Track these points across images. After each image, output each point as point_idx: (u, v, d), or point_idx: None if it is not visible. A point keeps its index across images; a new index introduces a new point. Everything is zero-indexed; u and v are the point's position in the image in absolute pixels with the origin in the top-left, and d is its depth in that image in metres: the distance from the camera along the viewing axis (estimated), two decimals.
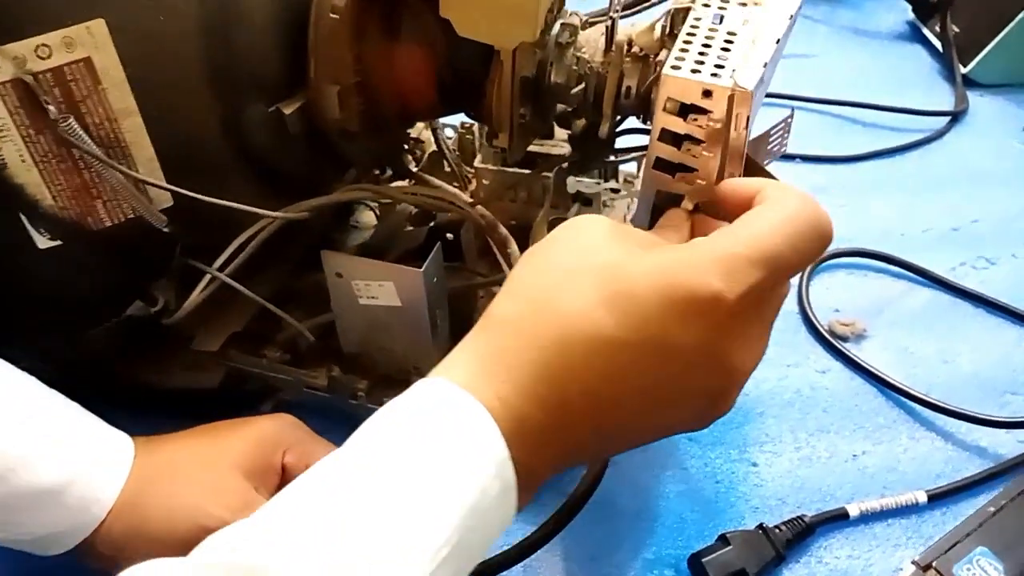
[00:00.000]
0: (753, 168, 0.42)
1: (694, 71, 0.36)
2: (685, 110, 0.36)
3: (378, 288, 0.46)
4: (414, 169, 0.60)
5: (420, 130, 0.64)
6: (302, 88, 0.44)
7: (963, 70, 0.91)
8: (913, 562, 0.35)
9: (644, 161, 0.39)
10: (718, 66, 0.36)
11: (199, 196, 0.41)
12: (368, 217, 0.61)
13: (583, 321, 0.29)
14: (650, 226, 0.39)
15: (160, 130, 0.40)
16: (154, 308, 0.47)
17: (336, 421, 0.52)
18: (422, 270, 0.44)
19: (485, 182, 0.56)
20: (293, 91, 0.44)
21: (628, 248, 0.32)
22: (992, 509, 0.39)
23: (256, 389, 0.53)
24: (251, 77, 0.42)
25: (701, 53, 0.37)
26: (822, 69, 0.93)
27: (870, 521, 0.49)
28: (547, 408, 0.29)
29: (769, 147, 0.51)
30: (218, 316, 0.51)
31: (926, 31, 0.99)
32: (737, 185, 0.35)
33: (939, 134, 0.84)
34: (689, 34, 0.38)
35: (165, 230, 0.42)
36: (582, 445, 0.31)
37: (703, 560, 0.45)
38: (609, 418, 0.30)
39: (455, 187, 0.61)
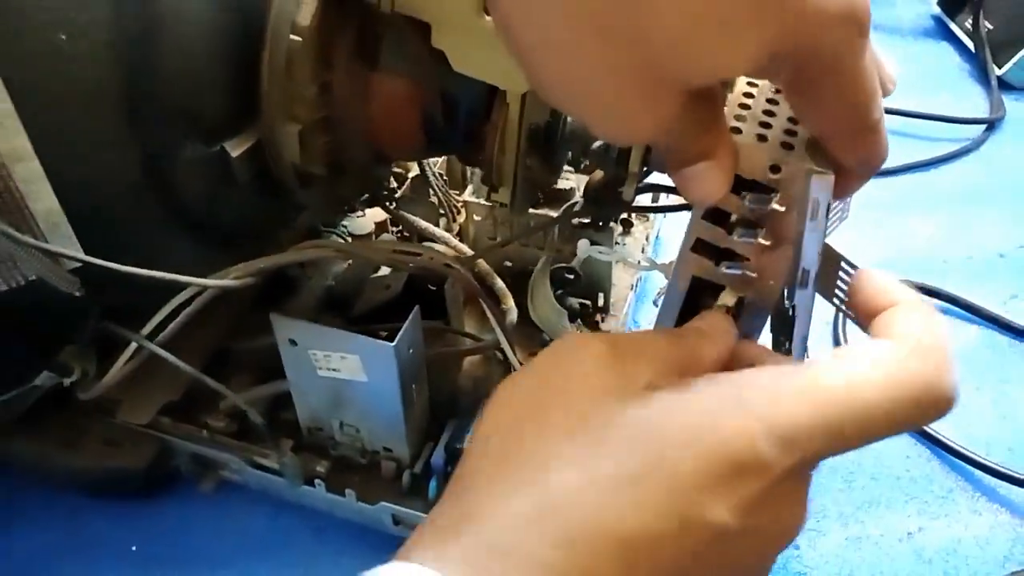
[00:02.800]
0: (827, 254, 0.33)
1: (760, 136, 0.27)
2: (741, 184, 0.28)
3: (340, 360, 0.37)
4: (392, 187, 0.51)
5: None
6: (252, 124, 0.35)
7: (998, 72, 0.83)
8: None
9: (682, 241, 0.30)
10: (789, 132, 0.28)
11: (114, 266, 0.32)
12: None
13: (598, 513, 0.21)
14: (678, 322, 0.31)
15: (63, 176, 0.31)
16: (69, 379, 0.38)
17: (286, 507, 0.44)
18: (394, 344, 0.35)
19: (476, 218, 0.48)
20: (239, 128, 0.35)
21: (636, 391, 0.23)
22: None
23: (191, 466, 0.44)
24: (183, 110, 0.33)
25: (767, 112, 0.28)
26: None
27: None
28: None
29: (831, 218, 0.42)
30: (147, 384, 0.42)
31: (954, 27, 0.90)
32: (871, 295, 0.27)
33: (976, 144, 0.76)
34: (746, 94, 0.29)
35: (77, 294, 0.34)
36: None
37: None
38: None
39: (441, 217, 0.52)
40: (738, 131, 0.27)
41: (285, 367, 0.39)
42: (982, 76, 0.84)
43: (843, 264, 0.32)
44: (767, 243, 0.27)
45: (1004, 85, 0.83)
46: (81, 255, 0.32)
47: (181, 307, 0.37)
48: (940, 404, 0.23)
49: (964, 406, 0.49)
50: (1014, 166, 0.74)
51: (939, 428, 0.49)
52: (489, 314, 0.40)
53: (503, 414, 0.24)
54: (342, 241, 0.40)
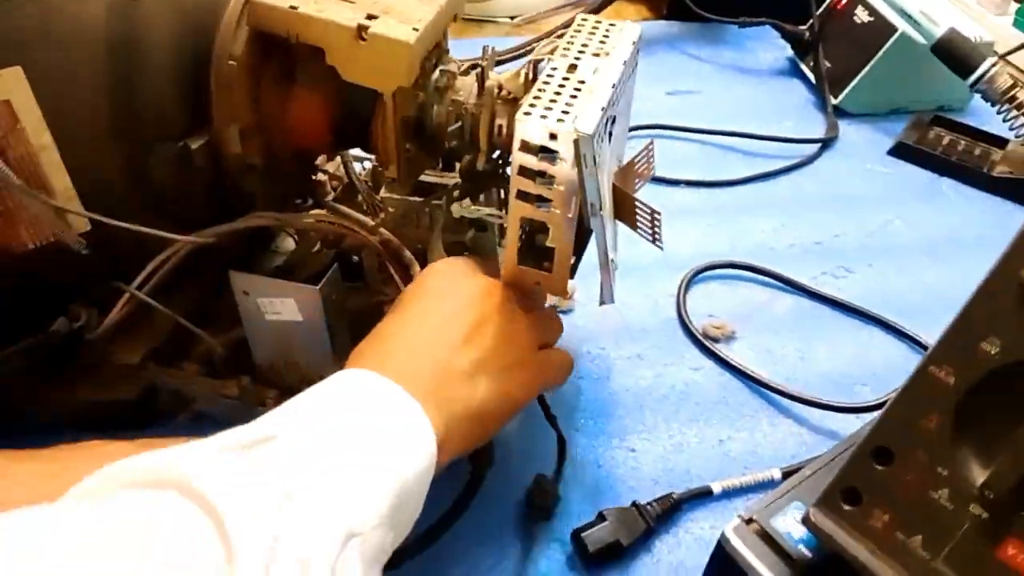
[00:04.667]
0: (621, 196, 0.49)
1: (543, 116, 0.43)
2: (537, 149, 0.43)
3: (281, 305, 0.51)
4: (330, 199, 0.66)
5: (338, 164, 0.70)
6: (205, 127, 0.49)
7: (834, 101, 1.01)
8: (738, 515, 0.42)
9: (510, 195, 0.45)
10: (565, 112, 0.43)
11: (112, 221, 0.45)
12: (288, 243, 0.66)
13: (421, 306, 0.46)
14: (519, 250, 0.46)
15: (74, 166, 0.45)
16: (77, 323, 0.51)
17: None
18: (318, 287, 0.49)
19: (391, 209, 0.62)
20: (196, 130, 0.49)
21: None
22: (808, 472, 0.45)
23: (171, 402, 0.57)
24: (157, 120, 0.47)
25: (552, 100, 0.44)
26: (706, 103, 1.02)
27: (731, 496, 0.55)
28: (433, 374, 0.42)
29: (637, 171, 0.58)
30: (136, 332, 0.55)
31: (803, 66, 1.09)
32: None
33: (811, 159, 0.93)
34: (544, 82, 0.45)
35: (84, 252, 0.47)
36: (463, 398, 0.42)
37: (582, 535, 0.50)
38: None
39: (365, 214, 0.66)
40: (528, 114, 0.42)
41: (241, 315, 0.53)
42: (823, 104, 1.02)
43: (637, 204, 0.48)
44: (561, 188, 0.42)
45: (840, 112, 1.01)
46: (89, 213, 0.45)
47: (161, 265, 0.50)
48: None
49: (775, 354, 0.65)
50: (840, 177, 0.91)
51: (753, 368, 0.64)
52: (395, 276, 0.54)
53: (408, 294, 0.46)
54: (277, 214, 0.53)
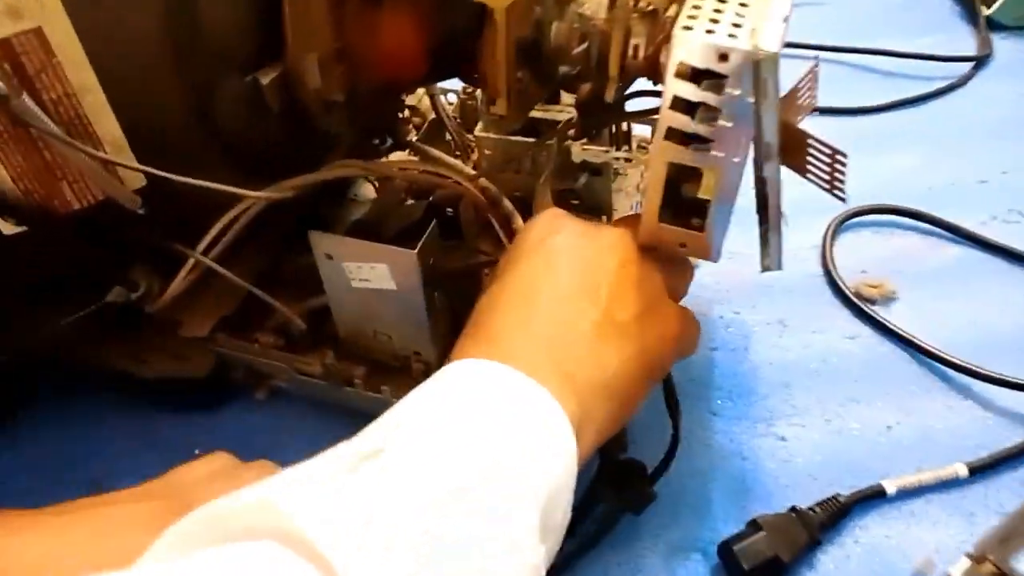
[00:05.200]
0: (789, 133, 0.38)
1: (708, 31, 0.32)
2: (699, 75, 0.33)
3: (370, 271, 0.42)
4: (413, 138, 0.56)
5: (420, 97, 0.60)
6: (278, 58, 0.40)
7: (986, 11, 0.86)
8: (967, 555, 0.32)
9: (655, 130, 0.35)
10: (735, 25, 0.33)
11: (172, 176, 0.37)
12: (367, 190, 0.57)
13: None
14: (663, 201, 0.36)
15: (124, 109, 0.37)
16: (135, 294, 0.44)
17: (330, 410, 0.50)
18: (416, 251, 0.40)
19: (487, 152, 0.53)
20: (268, 62, 0.40)
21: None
22: None
23: (246, 377, 0.50)
24: (222, 51, 0.38)
25: (716, 11, 0.33)
26: (835, 16, 0.88)
27: (907, 498, 0.46)
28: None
29: (799, 103, 0.47)
30: (205, 300, 0.48)
31: None
32: None
33: (962, 81, 0.80)
34: None
35: (140, 212, 0.39)
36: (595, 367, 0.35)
37: (734, 548, 0.42)
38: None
39: (456, 157, 0.57)
40: (689, 28, 0.32)
41: (323, 281, 0.45)
42: (971, 16, 0.87)
43: (811, 142, 0.37)
44: (728, 124, 0.32)
45: (992, 25, 0.86)
46: (142, 167, 0.37)
47: (230, 225, 0.42)
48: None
49: (944, 316, 0.54)
50: (999, 101, 0.77)
51: (919, 334, 0.54)
52: (498, 229, 0.45)
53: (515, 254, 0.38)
54: (365, 162, 0.44)
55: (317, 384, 0.48)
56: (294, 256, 0.48)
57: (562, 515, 0.31)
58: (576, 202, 0.52)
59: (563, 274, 0.37)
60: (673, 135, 0.35)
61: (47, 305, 0.43)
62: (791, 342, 0.54)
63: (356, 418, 0.49)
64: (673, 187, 0.39)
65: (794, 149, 0.40)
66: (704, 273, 0.58)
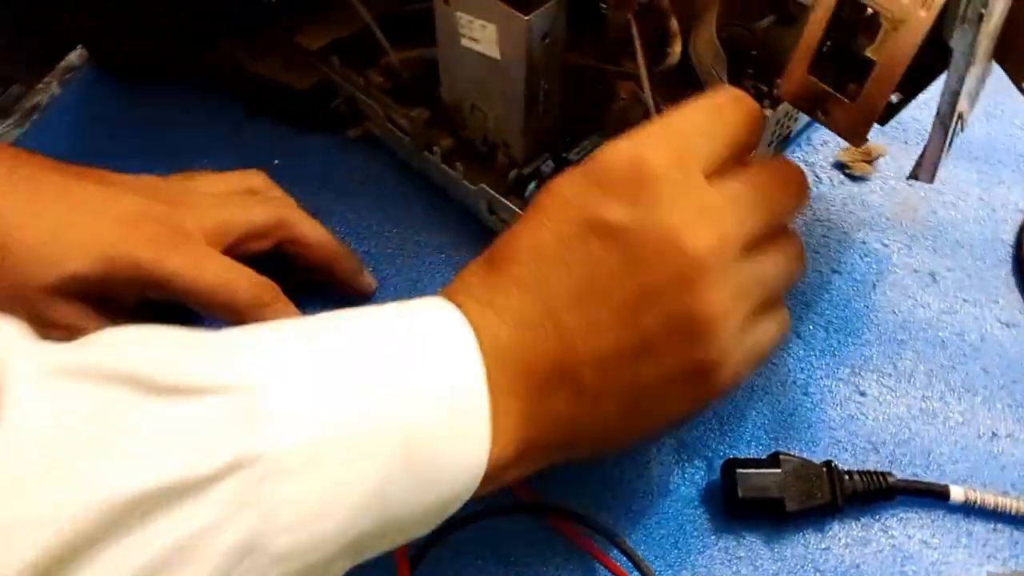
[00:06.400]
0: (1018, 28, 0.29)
1: None
2: None
3: (481, 29, 0.38)
4: None
5: None
6: None
7: None
8: (988, 572, 0.26)
9: None
10: None
11: None
12: None
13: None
14: (820, 48, 0.29)
15: None
16: None
17: (412, 173, 0.48)
18: (527, 19, 0.35)
19: None
20: None
21: None
22: None
23: (345, 109, 0.48)
24: None
25: None
26: None
27: (973, 514, 0.38)
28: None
29: None
30: (327, 17, 0.46)
31: None
32: None
33: None
34: None
35: None
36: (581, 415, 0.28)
37: (738, 471, 0.37)
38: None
39: None
40: None
41: (436, 29, 0.41)
42: None
43: None
44: None
45: None
46: None
47: None
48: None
49: None
50: None
51: None
52: (637, 50, 0.38)
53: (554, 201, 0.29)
54: None
55: (402, 140, 0.46)
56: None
57: (397, 535, 0.25)
58: (752, 52, 0.44)
59: (614, 265, 0.28)
60: None
61: None
62: (932, 300, 0.45)
63: (431, 191, 0.47)
64: (844, 35, 0.31)
65: (1019, 49, 0.31)
66: (866, 190, 0.49)
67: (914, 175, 0.31)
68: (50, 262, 0.33)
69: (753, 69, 0.45)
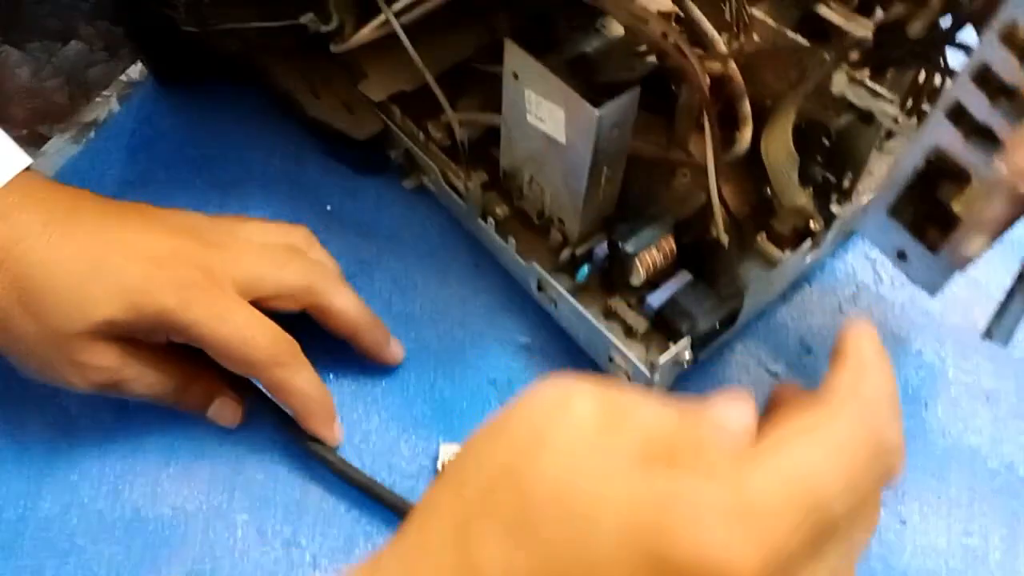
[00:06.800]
0: None
1: None
2: None
3: (548, 111, 0.37)
4: None
5: None
6: None
7: None
8: None
9: (937, 103, 0.26)
10: None
11: None
12: (617, 29, 0.50)
13: None
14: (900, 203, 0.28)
15: None
16: (326, 27, 0.42)
17: (461, 233, 0.47)
18: (597, 111, 0.34)
19: (756, 38, 0.44)
20: None
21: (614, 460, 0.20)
22: None
23: (402, 161, 0.48)
24: None
25: None
26: None
27: None
28: None
29: None
30: (391, 68, 0.45)
31: None
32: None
33: None
34: None
35: None
36: None
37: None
38: None
39: (723, 30, 0.48)
40: None
41: (503, 100, 0.40)
42: None
43: None
44: None
45: None
46: None
47: None
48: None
49: None
50: None
51: None
52: (707, 130, 0.37)
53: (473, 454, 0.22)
54: None
55: (456, 201, 0.45)
56: (491, 62, 0.43)
57: None
58: (825, 142, 0.43)
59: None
60: (958, 115, 0.26)
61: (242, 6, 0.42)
62: (983, 424, 0.43)
63: (478, 254, 0.46)
64: (930, 181, 0.30)
65: None
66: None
67: (988, 334, 0.30)
68: (80, 309, 0.34)
69: (823, 157, 0.43)
